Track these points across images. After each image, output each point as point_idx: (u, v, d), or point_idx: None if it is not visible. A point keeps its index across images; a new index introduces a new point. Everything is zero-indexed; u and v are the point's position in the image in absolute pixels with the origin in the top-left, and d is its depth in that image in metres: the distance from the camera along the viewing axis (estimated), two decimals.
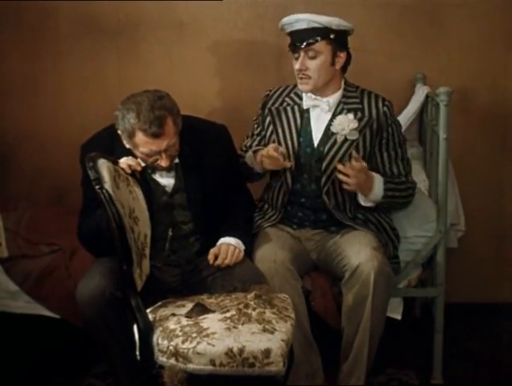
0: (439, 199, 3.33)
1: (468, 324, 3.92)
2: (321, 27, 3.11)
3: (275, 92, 3.38)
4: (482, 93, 3.97)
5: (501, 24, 3.91)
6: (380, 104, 3.23)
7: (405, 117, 3.70)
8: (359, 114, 3.21)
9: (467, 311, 3.94)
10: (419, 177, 3.61)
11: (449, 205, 3.40)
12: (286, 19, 3.20)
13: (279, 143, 3.25)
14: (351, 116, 3.20)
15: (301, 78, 3.19)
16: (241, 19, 3.96)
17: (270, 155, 3.10)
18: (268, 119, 3.34)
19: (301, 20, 3.13)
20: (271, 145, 3.14)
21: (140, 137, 2.79)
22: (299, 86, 3.23)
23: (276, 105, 3.33)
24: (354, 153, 3.09)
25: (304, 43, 3.13)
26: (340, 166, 3.07)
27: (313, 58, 3.15)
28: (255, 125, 3.43)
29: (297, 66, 3.17)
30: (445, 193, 3.32)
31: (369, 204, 3.21)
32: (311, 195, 3.26)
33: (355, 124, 3.19)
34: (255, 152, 3.26)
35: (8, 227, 3.32)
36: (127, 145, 2.86)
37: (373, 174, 3.16)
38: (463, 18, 3.90)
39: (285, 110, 3.30)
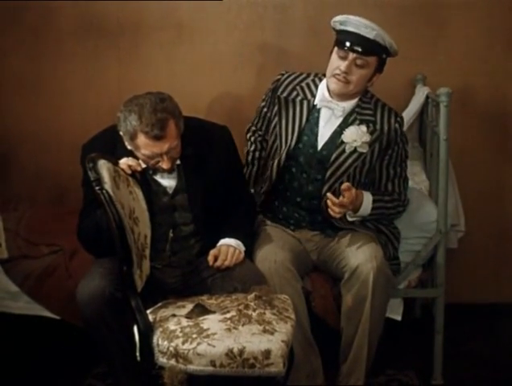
0: (439, 200, 3.33)
1: (468, 324, 3.92)
2: (382, 45, 3.08)
3: (287, 78, 3.32)
4: (482, 94, 3.97)
5: (501, 25, 3.91)
6: (392, 120, 3.21)
7: (405, 118, 3.68)
8: (371, 127, 3.19)
9: (467, 312, 3.94)
10: (420, 178, 3.62)
11: (449, 206, 3.39)
12: (355, 19, 3.09)
13: (280, 137, 3.25)
14: (364, 128, 3.17)
15: (339, 79, 3.12)
16: (241, 20, 3.96)
17: None
18: (276, 108, 3.31)
19: (372, 30, 3.05)
20: None
21: (142, 139, 2.79)
22: (331, 84, 3.16)
23: (285, 94, 3.29)
24: (346, 185, 3.04)
25: (363, 50, 3.06)
26: (330, 196, 3.05)
27: (360, 67, 3.09)
28: (263, 105, 3.40)
29: (343, 67, 3.08)
30: (445, 194, 3.31)
31: (354, 219, 3.22)
32: (307, 195, 3.25)
33: (367, 137, 3.17)
34: None
35: (8, 228, 3.33)
36: (129, 147, 2.86)
37: (363, 192, 3.17)
38: (463, 18, 3.90)
39: (293, 102, 3.26)
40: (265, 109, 3.40)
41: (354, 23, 3.07)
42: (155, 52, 3.99)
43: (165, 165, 2.86)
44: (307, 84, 3.29)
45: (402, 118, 3.27)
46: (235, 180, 3.14)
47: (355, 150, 3.18)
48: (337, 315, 3.17)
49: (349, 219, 3.21)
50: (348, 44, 3.07)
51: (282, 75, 3.34)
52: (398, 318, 3.38)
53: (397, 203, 3.28)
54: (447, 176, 3.31)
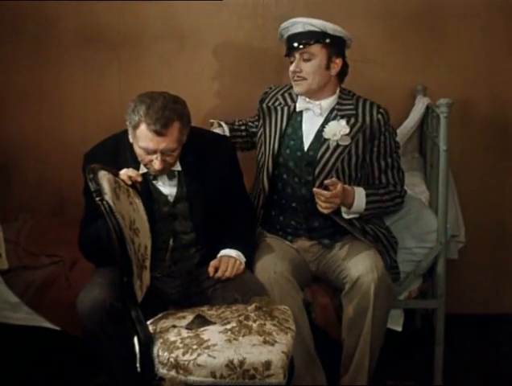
0: (439, 211, 3.33)
1: (468, 335, 3.92)
2: (317, 31, 3.15)
3: (273, 90, 3.43)
4: (483, 105, 3.97)
5: (501, 35, 3.91)
6: (374, 112, 3.24)
7: (405, 129, 3.71)
8: (352, 120, 3.22)
9: (467, 322, 3.93)
10: (420, 188, 3.62)
11: (449, 216, 3.40)
12: (283, 24, 3.25)
13: (264, 144, 3.32)
14: (343, 122, 3.21)
15: (296, 80, 3.22)
16: (241, 30, 3.97)
17: None
18: (261, 117, 3.39)
19: (297, 23, 3.18)
20: None
21: (142, 129, 2.81)
22: (294, 88, 3.26)
23: (269, 103, 3.38)
24: (330, 180, 3.08)
25: (299, 45, 3.16)
26: (315, 190, 3.08)
27: (308, 60, 3.18)
28: (251, 119, 3.54)
29: (292, 68, 3.21)
30: (445, 204, 3.32)
31: (351, 216, 3.21)
32: (301, 199, 3.26)
33: (346, 129, 3.19)
34: None
35: (8, 238, 3.34)
36: (130, 138, 2.88)
37: (354, 188, 3.18)
38: (463, 29, 3.90)
39: (275, 110, 3.34)
40: (251, 120, 3.53)
41: (286, 28, 3.24)
42: (156, 63, 4.00)
43: (157, 165, 2.86)
44: (289, 93, 3.36)
45: (385, 110, 3.27)
46: (235, 190, 3.14)
47: (338, 145, 3.21)
48: (338, 326, 3.17)
49: (345, 216, 3.20)
50: (287, 49, 3.23)
51: (270, 88, 3.45)
52: (399, 328, 3.38)
53: (393, 194, 3.27)
54: (447, 187, 3.32)
